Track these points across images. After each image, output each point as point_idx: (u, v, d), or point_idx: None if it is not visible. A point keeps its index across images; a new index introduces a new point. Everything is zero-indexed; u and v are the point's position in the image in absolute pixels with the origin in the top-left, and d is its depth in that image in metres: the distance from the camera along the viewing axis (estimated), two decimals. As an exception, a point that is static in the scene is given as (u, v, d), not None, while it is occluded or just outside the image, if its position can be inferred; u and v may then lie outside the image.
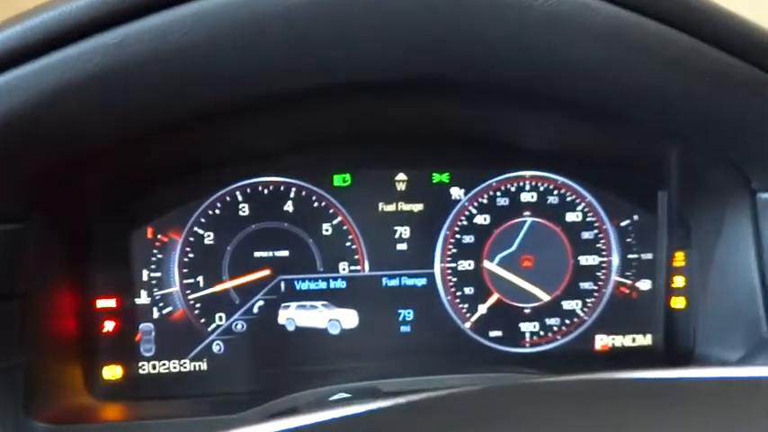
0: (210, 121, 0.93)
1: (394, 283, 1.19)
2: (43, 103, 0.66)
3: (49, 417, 1.01)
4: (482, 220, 1.21)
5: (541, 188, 1.23)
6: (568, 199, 1.23)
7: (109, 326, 1.23)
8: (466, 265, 1.21)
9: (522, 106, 1.00)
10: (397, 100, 1.00)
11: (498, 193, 1.22)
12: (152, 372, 1.25)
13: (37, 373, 0.89)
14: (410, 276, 1.20)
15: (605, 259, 1.24)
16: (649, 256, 1.32)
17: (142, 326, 1.24)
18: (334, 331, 1.19)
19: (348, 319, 1.18)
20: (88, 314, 1.20)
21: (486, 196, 1.22)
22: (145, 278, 1.24)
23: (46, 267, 0.91)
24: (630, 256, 1.24)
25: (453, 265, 1.20)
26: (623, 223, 1.25)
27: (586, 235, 1.23)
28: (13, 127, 0.67)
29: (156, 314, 1.18)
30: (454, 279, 1.21)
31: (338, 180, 1.19)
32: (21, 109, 0.66)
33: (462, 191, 1.21)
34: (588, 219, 1.23)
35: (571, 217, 1.23)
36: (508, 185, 1.22)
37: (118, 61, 0.66)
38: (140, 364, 1.25)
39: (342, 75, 0.83)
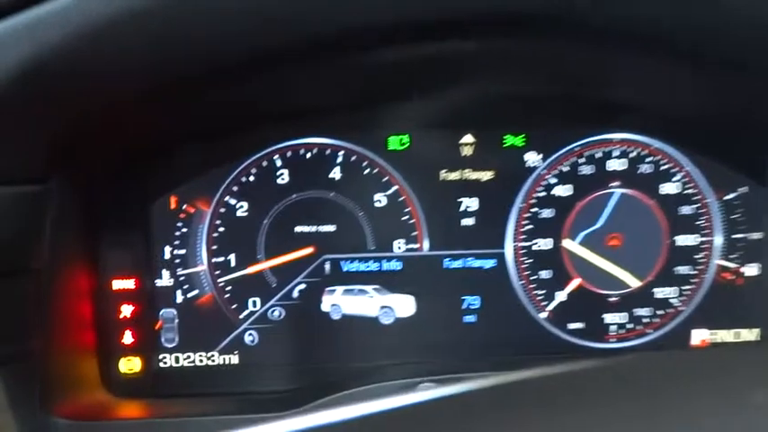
0: (245, 72, 0.85)
1: (457, 264, 1.12)
2: (84, 37, 0.65)
3: (66, 412, 0.95)
4: (562, 191, 1.13)
5: (633, 154, 1.14)
6: (664, 167, 1.13)
7: (126, 311, 1.14)
8: (542, 244, 1.14)
9: (620, 49, 0.89)
10: (463, 44, 0.89)
11: (582, 160, 1.13)
12: (174, 366, 1.17)
13: (51, 362, 0.89)
14: (477, 257, 1.13)
15: (706, 239, 1.14)
16: (758, 235, 1.17)
17: (163, 312, 1.16)
18: (387, 321, 1.13)
19: (403, 306, 1.13)
20: (104, 297, 1.11)
21: (567, 163, 1.13)
22: (167, 256, 1.15)
23: (61, 241, 0.89)
24: (736, 235, 1.13)
25: (528, 244, 1.13)
26: (728, 197, 1.13)
27: (685, 210, 1.14)
28: (44, 68, 0.66)
29: (179, 298, 1.13)
30: (528, 261, 1.14)
31: (394, 143, 1.11)
32: (58, 46, 0.65)
33: (539, 156, 1.13)
34: (687, 191, 1.14)
35: (667, 189, 1.13)
36: (594, 151, 1.13)
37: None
38: (161, 356, 1.17)
39: (407, 7, 0.73)
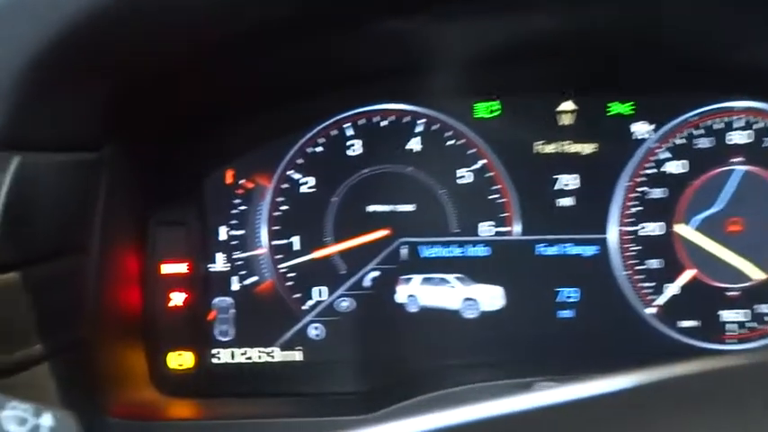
0: (315, 25, 0.81)
1: (553, 251, 1.06)
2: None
3: (112, 410, 0.92)
4: (675, 167, 1.05)
5: (758, 126, 1.04)
6: (795, 141, 1.05)
7: (177, 299, 1.07)
8: (652, 229, 1.06)
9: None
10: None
11: (698, 132, 1.05)
12: (229, 362, 1.10)
13: (99, 355, 0.88)
14: (575, 243, 1.06)
15: (844, 225, 1.01)
16: None
17: (217, 300, 1.09)
18: (471, 314, 1.08)
19: (490, 298, 1.07)
20: (152, 283, 1.05)
21: (681, 135, 1.05)
22: (222, 237, 1.09)
23: (112, 218, 0.87)
24: None
25: (635, 228, 1.05)
26: None
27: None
28: (105, 19, 0.65)
29: (235, 285, 1.09)
30: (635, 248, 1.06)
31: (482, 110, 1.06)
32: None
33: (650, 127, 1.05)
34: (822, 169, 1.04)
35: (798, 166, 1.04)
36: (712, 121, 1.05)
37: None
38: (215, 351, 1.09)
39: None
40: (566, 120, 1.06)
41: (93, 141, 0.80)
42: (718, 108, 1.09)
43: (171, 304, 1.06)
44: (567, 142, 1.05)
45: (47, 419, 0.46)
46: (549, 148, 1.05)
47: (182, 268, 1.06)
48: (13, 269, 0.71)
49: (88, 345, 0.85)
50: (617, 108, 1.05)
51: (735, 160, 1.09)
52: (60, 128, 0.73)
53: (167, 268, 1.05)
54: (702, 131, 1.07)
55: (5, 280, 0.71)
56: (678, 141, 1.06)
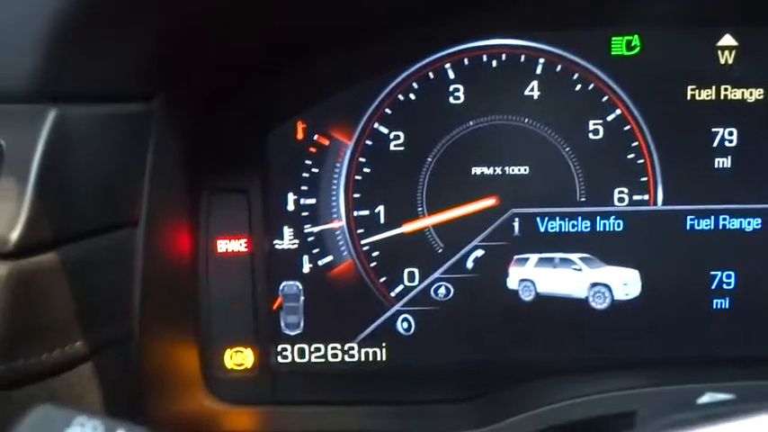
0: None
1: (706, 224, 1.00)
2: None
3: (161, 419, 0.89)
4: None
5: None
6: None
7: (234, 282, 1.00)
8: None
9: None
10: None
11: None
12: (298, 361, 1.04)
13: (145, 354, 0.83)
14: (734, 215, 1.00)
15: None
16: None
17: (285, 285, 1.02)
18: (601, 304, 1.02)
19: (624, 284, 1.01)
20: (205, 263, 0.99)
21: None
22: (290, 207, 1.01)
23: (161, 183, 0.84)
24: None
25: None
26: None
27: None
28: None
29: (306, 267, 1.02)
30: None
31: (619, 46, 0.97)
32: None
33: None
34: None
35: None
36: None
37: None
38: (281, 348, 1.03)
39: None
40: (725, 57, 0.98)
41: (140, 90, 0.78)
42: None
43: (227, 289, 1.01)
44: (727, 87, 0.97)
45: None
46: (704, 95, 0.98)
47: (240, 246, 1.01)
48: (48, 249, 0.65)
49: (133, 340, 0.81)
50: (792, 43, 0.93)
51: None
52: (103, 74, 0.71)
53: (224, 245, 1.00)
54: None
55: (40, 263, 0.64)
56: None
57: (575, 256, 1.00)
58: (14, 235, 0.62)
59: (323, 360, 1.03)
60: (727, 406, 0.77)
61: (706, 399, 0.81)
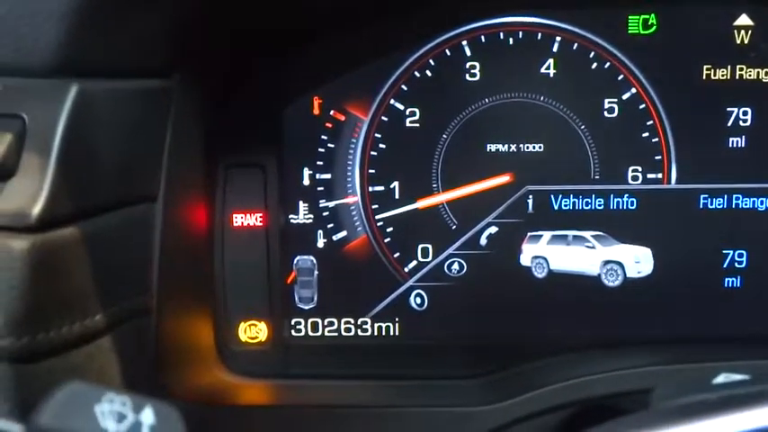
0: None
1: (719, 203, 0.99)
2: None
3: (177, 391, 0.88)
4: None
5: None
6: None
7: (249, 256, 1.00)
8: None
9: None
10: None
11: None
12: (312, 335, 1.03)
13: (164, 324, 0.83)
14: (747, 194, 0.99)
15: None
16: None
17: (299, 260, 1.02)
18: (613, 281, 1.01)
19: (636, 261, 1.00)
20: (221, 236, 0.99)
21: None
22: (306, 182, 1.01)
23: (180, 158, 0.84)
24: None
25: None
26: None
27: None
28: None
29: (321, 242, 1.02)
30: None
31: (635, 24, 0.97)
32: None
33: None
34: None
35: None
36: None
37: None
38: (294, 321, 1.03)
39: None
40: (741, 37, 0.97)
41: (161, 66, 0.78)
42: None
43: (242, 263, 1.00)
44: (743, 66, 0.96)
45: (147, 416, 0.43)
46: (720, 74, 0.97)
47: (256, 220, 1.00)
48: (69, 223, 0.65)
49: (151, 313, 0.81)
50: (809, 23, 0.92)
51: None
52: (123, 50, 0.71)
53: (239, 219, 0.99)
54: None
55: (61, 237, 0.64)
56: None
57: (588, 234, 1.00)
58: (36, 209, 0.62)
59: (336, 334, 1.02)
60: (742, 387, 0.75)
61: (721, 379, 0.81)
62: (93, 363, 0.70)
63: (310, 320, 1.02)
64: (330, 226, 1.01)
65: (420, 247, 1.01)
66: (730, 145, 0.98)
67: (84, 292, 0.68)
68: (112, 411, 0.43)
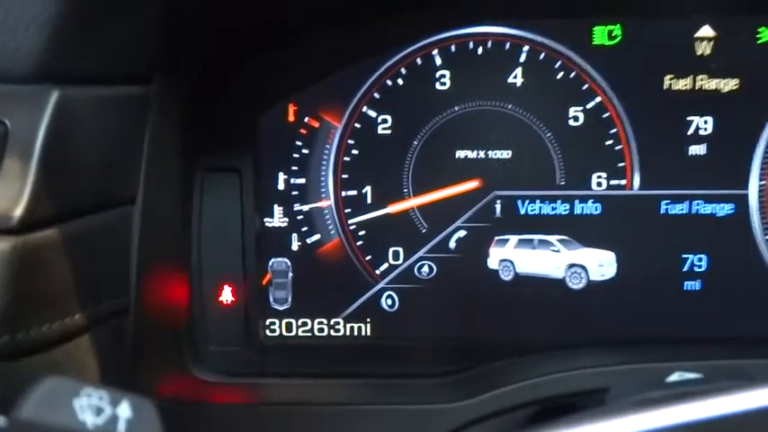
0: None
1: (680, 209, 1.01)
2: None
3: (153, 391, 0.89)
4: None
5: None
6: None
7: (224, 258, 1.02)
8: None
9: None
10: None
11: None
12: (286, 335, 1.05)
13: (140, 326, 0.85)
14: (707, 200, 1.01)
15: None
16: None
17: (273, 262, 1.04)
18: (577, 284, 1.03)
19: (600, 265, 1.02)
20: (198, 239, 1.01)
21: None
22: (281, 186, 1.02)
23: (159, 162, 0.86)
24: None
25: None
26: None
27: None
28: None
29: (295, 245, 1.04)
30: None
31: (600, 35, 0.98)
32: None
33: None
34: None
35: None
36: None
37: None
38: (270, 321, 1.05)
39: None
40: (702, 48, 0.98)
41: (141, 73, 0.79)
42: None
43: (218, 264, 1.02)
44: (704, 77, 0.98)
45: (124, 410, 0.44)
46: (682, 84, 0.98)
47: (233, 222, 1.02)
48: (50, 225, 0.67)
49: (129, 313, 0.83)
50: None
51: None
52: (105, 57, 0.72)
53: (216, 222, 1.01)
54: None
55: (43, 238, 0.66)
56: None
57: (553, 238, 1.02)
58: (18, 211, 0.63)
59: (309, 334, 1.04)
60: (695, 385, 0.78)
61: (675, 377, 0.84)
62: (72, 360, 0.71)
63: (284, 321, 1.04)
64: (304, 229, 1.02)
65: (391, 250, 1.03)
66: (691, 153, 1.00)
67: (64, 292, 0.69)
68: (90, 405, 0.43)
